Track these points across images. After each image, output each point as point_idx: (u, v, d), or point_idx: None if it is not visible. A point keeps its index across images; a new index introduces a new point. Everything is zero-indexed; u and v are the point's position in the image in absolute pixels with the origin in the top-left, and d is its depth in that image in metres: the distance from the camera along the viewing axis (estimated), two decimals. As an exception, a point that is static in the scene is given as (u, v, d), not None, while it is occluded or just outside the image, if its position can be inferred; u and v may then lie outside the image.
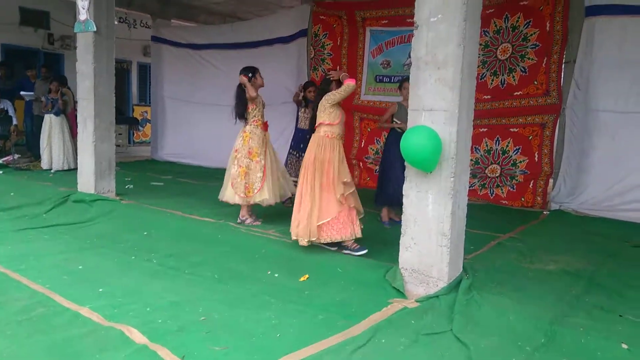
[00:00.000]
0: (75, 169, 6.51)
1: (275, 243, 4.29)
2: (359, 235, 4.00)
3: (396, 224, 5.03)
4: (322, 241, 3.96)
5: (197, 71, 9.89)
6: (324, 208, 3.92)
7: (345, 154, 4.23)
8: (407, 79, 5.00)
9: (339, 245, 4.07)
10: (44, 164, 8.17)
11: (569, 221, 5.70)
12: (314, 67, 8.11)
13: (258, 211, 5.12)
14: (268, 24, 8.94)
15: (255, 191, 4.85)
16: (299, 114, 6.75)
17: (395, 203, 4.92)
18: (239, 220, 4.93)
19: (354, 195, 4.05)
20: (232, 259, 3.98)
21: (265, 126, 5.00)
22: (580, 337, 2.65)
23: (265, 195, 4.86)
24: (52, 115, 8.16)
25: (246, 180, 4.84)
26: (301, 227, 3.93)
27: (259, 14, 11.00)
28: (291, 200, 5.01)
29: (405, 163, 3.28)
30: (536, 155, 6.38)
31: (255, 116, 4.91)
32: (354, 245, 4.03)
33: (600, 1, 5.89)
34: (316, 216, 3.90)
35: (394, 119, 5.18)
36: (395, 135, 5.07)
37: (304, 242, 3.94)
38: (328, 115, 4.04)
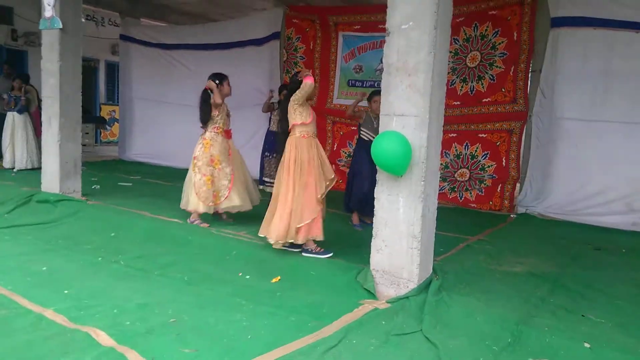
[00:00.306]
0: (39, 168, 6.32)
1: (246, 245, 4.25)
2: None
3: (367, 226, 5.08)
4: (297, 242, 3.94)
5: (166, 71, 9.75)
6: (307, 209, 3.88)
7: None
8: (377, 92, 5.08)
9: (300, 247, 4.03)
10: (6, 163, 7.92)
11: (535, 224, 5.85)
12: (286, 70, 8.11)
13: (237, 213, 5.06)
14: (241, 26, 8.90)
15: (223, 198, 4.84)
16: (272, 116, 6.77)
17: (364, 207, 4.99)
18: (189, 221, 4.89)
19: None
20: (203, 261, 3.93)
21: (227, 134, 4.95)
22: (545, 336, 2.72)
23: (234, 202, 4.85)
24: (15, 113, 7.92)
25: (213, 188, 4.83)
26: (281, 229, 3.86)
27: (231, 16, 10.91)
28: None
29: (377, 167, 3.31)
30: (504, 160, 6.54)
31: (217, 123, 4.88)
32: (319, 249, 4.02)
33: (564, 13, 6.09)
34: (299, 217, 3.85)
35: (361, 128, 5.22)
36: (364, 141, 5.13)
37: (278, 244, 3.92)
38: (299, 115, 4.02)
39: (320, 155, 4.03)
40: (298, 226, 3.85)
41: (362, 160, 5.03)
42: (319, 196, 3.90)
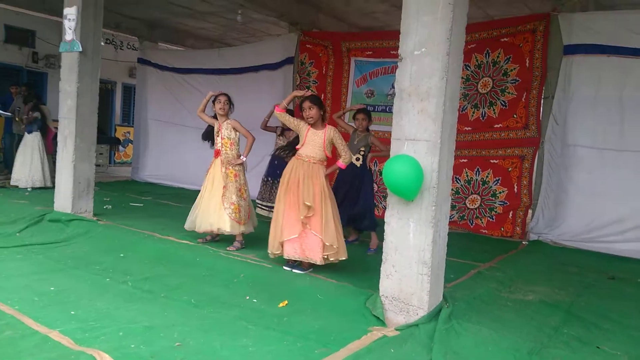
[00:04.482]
0: (52, 187, 6.39)
1: (254, 268, 4.23)
2: (318, 263, 4.03)
3: (349, 242, 5.19)
4: (286, 257, 4.12)
5: (181, 95, 9.91)
6: (287, 226, 4.05)
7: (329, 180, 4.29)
8: (361, 110, 5.14)
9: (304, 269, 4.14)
10: (15, 182, 7.99)
11: (547, 252, 5.76)
12: (299, 95, 8.17)
13: (246, 236, 5.03)
14: (255, 51, 9.04)
15: None
16: (277, 140, 6.63)
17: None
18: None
19: (317, 221, 4.01)
20: (210, 283, 3.91)
21: (214, 152, 5.02)
22: (558, 368, 2.64)
23: (192, 225, 4.95)
24: (25, 132, 8.10)
25: None
26: (270, 240, 4.16)
27: (247, 41, 11.13)
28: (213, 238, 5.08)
29: (388, 191, 3.29)
30: (515, 187, 6.49)
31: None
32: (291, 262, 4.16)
33: (577, 40, 6.10)
34: (280, 232, 4.07)
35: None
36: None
37: (271, 255, 4.16)
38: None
39: (302, 178, 4.07)
40: (280, 241, 4.08)
41: (338, 179, 5.19)
42: (301, 217, 4.00)
